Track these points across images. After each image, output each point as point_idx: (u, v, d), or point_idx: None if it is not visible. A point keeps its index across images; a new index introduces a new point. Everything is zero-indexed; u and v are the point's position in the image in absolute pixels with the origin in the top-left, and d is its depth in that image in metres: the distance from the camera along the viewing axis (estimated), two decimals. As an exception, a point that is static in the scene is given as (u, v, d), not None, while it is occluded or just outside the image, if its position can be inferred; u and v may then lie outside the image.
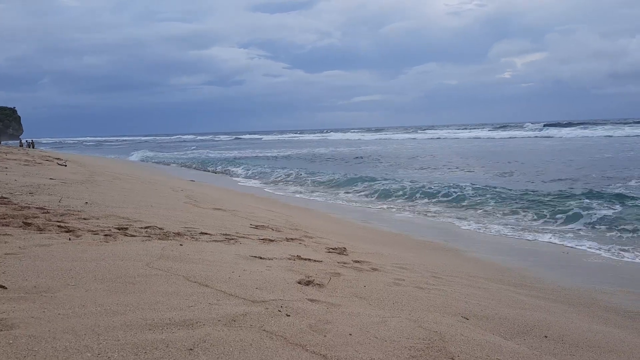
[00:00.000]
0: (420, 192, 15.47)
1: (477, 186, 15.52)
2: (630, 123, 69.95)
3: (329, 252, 6.26)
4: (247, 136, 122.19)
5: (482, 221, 11.32)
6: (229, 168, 29.14)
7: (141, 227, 5.97)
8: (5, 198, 7.24)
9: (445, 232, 10.43)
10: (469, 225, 10.98)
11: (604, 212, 10.98)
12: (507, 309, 4.60)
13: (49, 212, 6.30)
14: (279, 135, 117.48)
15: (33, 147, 44.23)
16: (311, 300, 3.77)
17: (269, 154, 43.12)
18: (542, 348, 3.65)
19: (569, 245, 8.94)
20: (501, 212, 12.15)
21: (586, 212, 11.06)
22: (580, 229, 10.20)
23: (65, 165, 17.95)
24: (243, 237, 6.37)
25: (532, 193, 14.03)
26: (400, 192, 15.84)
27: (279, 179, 22.20)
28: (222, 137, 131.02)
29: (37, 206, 6.74)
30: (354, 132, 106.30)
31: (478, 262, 7.53)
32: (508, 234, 10.03)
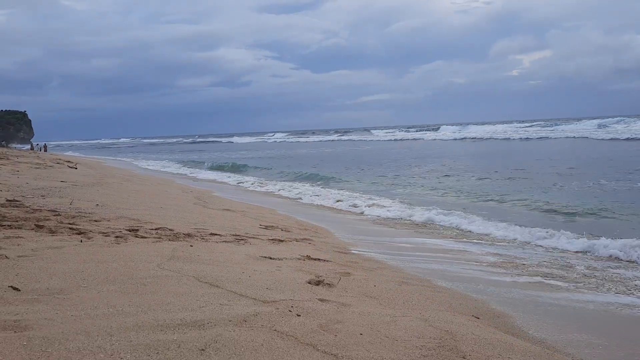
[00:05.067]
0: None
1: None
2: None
3: (339, 251, 6.26)
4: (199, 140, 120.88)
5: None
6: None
7: (152, 229, 6.01)
8: (17, 201, 7.32)
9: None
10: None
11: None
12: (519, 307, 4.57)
13: (60, 215, 6.35)
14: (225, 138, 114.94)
15: (46, 151, 44.63)
16: (321, 300, 3.77)
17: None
18: (554, 347, 3.62)
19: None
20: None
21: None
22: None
23: (76, 168, 18.11)
24: (253, 237, 6.38)
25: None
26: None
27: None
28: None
29: (49, 209, 6.80)
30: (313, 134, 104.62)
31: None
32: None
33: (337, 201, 12.82)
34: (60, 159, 23.74)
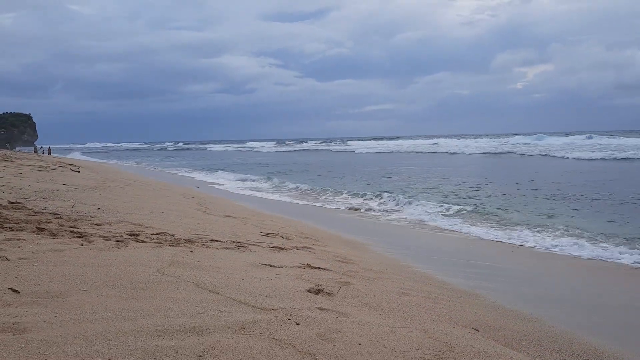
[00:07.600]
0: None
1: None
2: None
3: (339, 260, 6.25)
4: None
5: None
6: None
7: (152, 234, 6.01)
8: (19, 203, 7.34)
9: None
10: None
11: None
12: (519, 320, 4.56)
13: (62, 218, 6.36)
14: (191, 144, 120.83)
15: (50, 154, 44.75)
16: (321, 309, 3.76)
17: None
18: (554, 361, 3.60)
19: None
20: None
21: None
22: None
23: (79, 172, 18.16)
24: (253, 244, 6.37)
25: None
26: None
27: None
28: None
29: (51, 212, 6.81)
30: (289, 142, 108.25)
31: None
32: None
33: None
34: (63, 162, 23.81)
